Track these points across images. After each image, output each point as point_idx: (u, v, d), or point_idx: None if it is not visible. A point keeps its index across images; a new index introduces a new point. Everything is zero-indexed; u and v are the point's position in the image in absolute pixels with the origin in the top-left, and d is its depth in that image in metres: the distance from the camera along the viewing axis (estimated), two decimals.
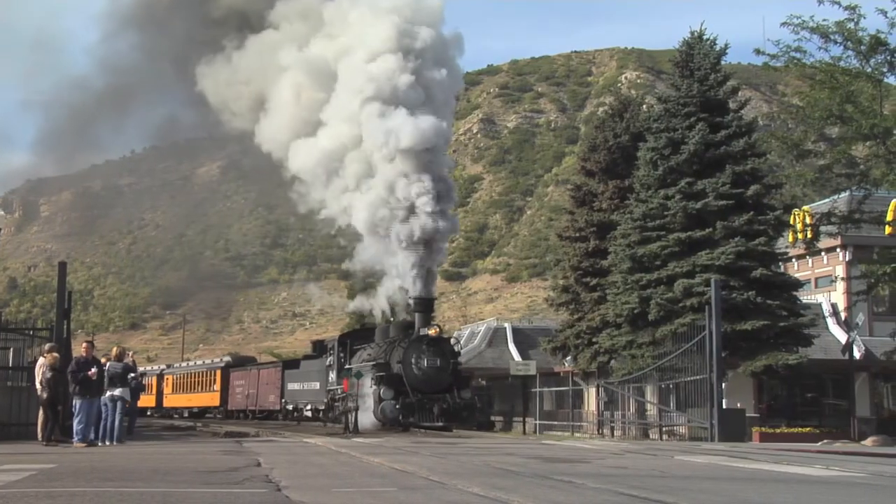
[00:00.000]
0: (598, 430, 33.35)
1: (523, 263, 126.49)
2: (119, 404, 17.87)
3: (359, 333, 37.11)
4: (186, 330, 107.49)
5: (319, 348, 40.42)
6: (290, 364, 46.18)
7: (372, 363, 30.89)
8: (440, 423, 28.22)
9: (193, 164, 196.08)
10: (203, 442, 20.83)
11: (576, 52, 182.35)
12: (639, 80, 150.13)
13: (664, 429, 28.33)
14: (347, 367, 33.91)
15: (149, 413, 61.93)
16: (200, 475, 10.40)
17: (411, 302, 31.76)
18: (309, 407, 40.17)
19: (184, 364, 69.25)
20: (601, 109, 42.72)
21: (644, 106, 36.55)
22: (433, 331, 29.87)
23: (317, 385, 38.43)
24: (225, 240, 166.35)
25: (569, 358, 36.72)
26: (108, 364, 18.09)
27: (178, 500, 7.93)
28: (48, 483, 9.40)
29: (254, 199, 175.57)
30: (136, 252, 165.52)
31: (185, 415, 58.42)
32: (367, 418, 29.56)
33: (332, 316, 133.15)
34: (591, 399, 36.87)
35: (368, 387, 30.34)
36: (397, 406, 28.35)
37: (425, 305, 31.26)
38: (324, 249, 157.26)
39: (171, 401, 63.00)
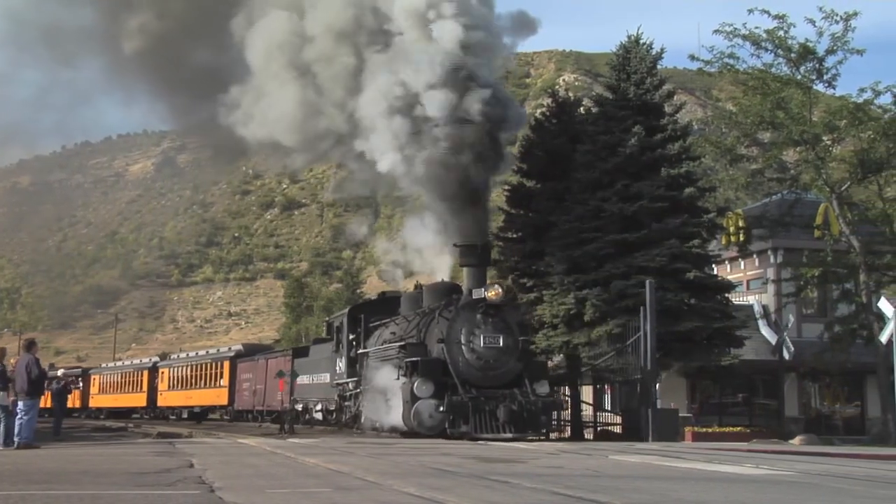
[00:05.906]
0: None
1: None
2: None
3: (376, 305, 27.71)
4: (119, 329, 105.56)
5: (330, 329, 31.06)
6: (300, 351, 37.20)
7: (398, 344, 22.14)
8: (509, 434, 19.55)
9: (126, 161, 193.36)
10: (134, 443, 20.46)
11: (514, 53, 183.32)
12: (576, 83, 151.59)
13: (599, 429, 28.60)
14: (362, 350, 25.88)
15: (138, 415, 55.63)
16: (132, 477, 10.20)
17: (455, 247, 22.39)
18: (319, 407, 31.60)
19: (183, 355, 60.42)
20: (539, 111, 42.89)
21: (581, 108, 36.79)
22: (493, 293, 20.65)
23: (327, 377, 30.15)
24: (159, 238, 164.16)
25: None
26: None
27: (108, 503, 7.76)
28: None
29: (188, 198, 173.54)
30: (67, 249, 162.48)
31: (185, 416, 50.06)
32: (394, 424, 21.62)
33: (268, 315, 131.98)
34: None
35: (393, 379, 21.59)
36: (441, 408, 19.71)
37: (479, 255, 21.79)
38: (260, 249, 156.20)
39: (166, 399, 53.61)
